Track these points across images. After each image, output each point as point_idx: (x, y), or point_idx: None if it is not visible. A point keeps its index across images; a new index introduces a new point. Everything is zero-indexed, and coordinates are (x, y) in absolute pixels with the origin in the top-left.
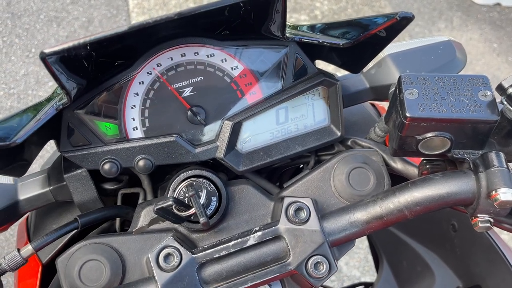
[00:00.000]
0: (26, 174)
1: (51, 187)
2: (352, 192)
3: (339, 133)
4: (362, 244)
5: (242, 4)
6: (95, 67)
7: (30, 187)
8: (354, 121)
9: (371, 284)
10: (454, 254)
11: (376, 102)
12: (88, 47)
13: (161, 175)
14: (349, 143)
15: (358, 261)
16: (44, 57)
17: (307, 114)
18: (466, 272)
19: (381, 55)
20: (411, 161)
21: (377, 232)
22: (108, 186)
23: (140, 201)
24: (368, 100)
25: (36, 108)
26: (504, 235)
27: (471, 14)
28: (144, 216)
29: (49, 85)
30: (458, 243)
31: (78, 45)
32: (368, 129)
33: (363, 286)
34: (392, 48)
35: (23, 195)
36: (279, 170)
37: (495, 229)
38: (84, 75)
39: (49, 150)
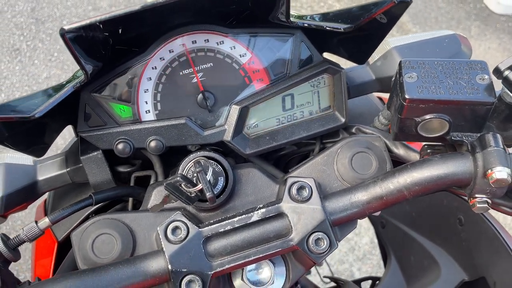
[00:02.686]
0: (45, 156)
1: (68, 169)
2: (355, 175)
3: (343, 120)
4: (375, 250)
5: None
6: (111, 53)
7: (48, 168)
8: (360, 112)
9: (378, 278)
10: (460, 248)
11: (382, 95)
12: (103, 30)
13: (173, 161)
14: (353, 130)
15: (371, 267)
16: (63, 33)
17: (313, 101)
18: (471, 265)
19: (387, 47)
20: (413, 147)
21: (386, 229)
22: (122, 169)
23: (151, 182)
24: (374, 91)
25: (56, 88)
26: None
27: (490, 24)
28: (155, 196)
29: None
30: (465, 236)
31: (94, 23)
32: (373, 120)
33: (371, 281)
34: (398, 41)
35: (42, 176)
36: (286, 157)
37: (500, 219)
38: (101, 58)
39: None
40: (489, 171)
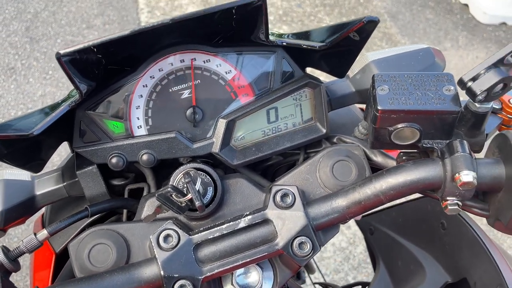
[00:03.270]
0: (42, 172)
1: (65, 183)
2: (336, 182)
3: (324, 130)
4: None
5: (234, 12)
6: (104, 73)
7: (45, 183)
8: (343, 122)
9: (368, 283)
10: (444, 251)
11: (364, 106)
12: (97, 52)
13: (165, 174)
14: (335, 140)
15: (366, 275)
16: (59, 57)
17: (295, 114)
18: (454, 267)
19: (365, 61)
20: (390, 155)
21: (374, 235)
22: (116, 182)
23: (144, 194)
24: (354, 103)
25: (53, 107)
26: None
27: (477, 34)
28: (148, 206)
29: None
30: (447, 240)
31: (88, 47)
32: (354, 130)
33: (360, 286)
34: (376, 55)
35: (39, 191)
36: (273, 167)
37: (481, 224)
38: (94, 78)
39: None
40: (457, 175)
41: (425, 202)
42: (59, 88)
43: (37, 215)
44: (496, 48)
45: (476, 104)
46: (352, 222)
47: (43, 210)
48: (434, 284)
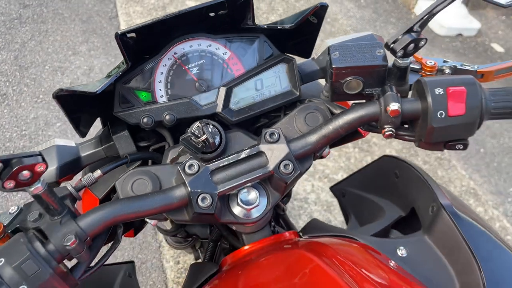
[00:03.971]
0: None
1: (103, 146)
2: (308, 128)
3: (297, 93)
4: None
5: (226, 5)
6: (134, 56)
7: (87, 148)
8: (311, 93)
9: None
10: (398, 194)
11: None
12: (136, 36)
13: (178, 137)
14: (306, 101)
15: None
16: (117, 35)
17: (276, 83)
18: (405, 203)
19: (325, 46)
20: (345, 107)
21: (346, 197)
22: (142, 144)
23: (166, 148)
24: (319, 78)
25: (106, 76)
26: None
27: (436, 45)
28: (171, 154)
29: (57, 126)
30: (400, 185)
31: (139, 27)
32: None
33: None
34: (333, 41)
35: (83, 153)
36: (261, 129)
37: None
38: (130, 58)
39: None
40: (387, 107)
41: (383, 161)
42: (50, 111)
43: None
44: (453, 57)
45: (398, 60)
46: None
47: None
48: (391, 218)
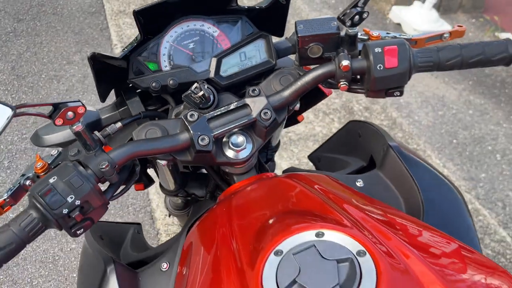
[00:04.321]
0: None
1: (118, 110)
2: (282, 87)
3: (273, 62)
4: None
5: None
6: (144, 33)
7: (106, 111)
8: (285, 65)
9: None
10: (361, 149)
11: None
12: (143, 18)
13: (178, 102)
14: (280, 68)
15: None
16: (134, 13)
17: (256, 55)
18: (366, 154)
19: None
20: None
21: (321, 161)
22: (150, 108)
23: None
24: (291, 53)
25: (126, 46)
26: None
27: None
28: (174, 112)
29: None
30: (362, 142)
31: (153, 4)
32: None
33: None
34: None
35: (103, 116)
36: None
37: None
38: (142, 34)
39: None
40: (340, 64)
41: (348, 126)
42: None
43: None
44: None
45: (348, 29)
46: None
47: None
48: (354, 167)
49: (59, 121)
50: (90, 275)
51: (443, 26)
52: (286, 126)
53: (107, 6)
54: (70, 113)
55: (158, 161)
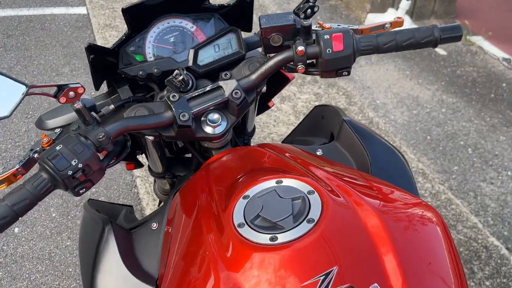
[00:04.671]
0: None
1: (111, 97)
2: (250, 72)
3: (243, 52)
4: None
5: None
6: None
7: (100, 98)
8: (254, 56)
9: None
10: (323, 129)
11: None
12: (129, 15)
13: (163, 89)
14: (249, 58)
15: None
16: (123, 10)
17: (228, 46)
18: (328, 132)
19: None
20: None
21: (293, 145)
22: (138, 95)
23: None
24: (259, 47)
25: (118, 39)
26: None
27: None
28: (158, 97)
29: None
30: (325, 122)
31: (136, 3)
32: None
33: None
34: None
35: (97, 102)
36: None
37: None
38: (130, 30)
39: None
40: (297, 49)
41: (313, 111)
42: None
43: None
44: (402, 62)
45: (303, 21)
46: None
47: None
48: (318, 144)
49: (62, 99)
50: (90, 235)
51: None
52: (259, 112)
53: (93, 21)
54: (71, 93)
55: (147, 137)
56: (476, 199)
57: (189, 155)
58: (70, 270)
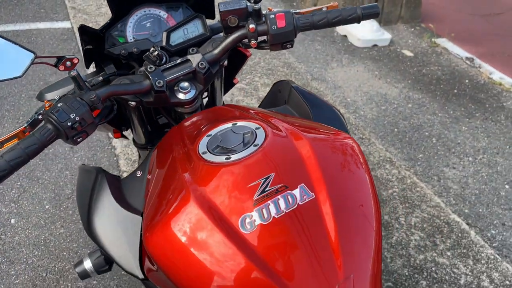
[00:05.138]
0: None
1: (99, 74)
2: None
3: (208, 33)
4: None
5: None
6: (117, 15)
7: (90, 75)
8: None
9: None
10: (281, 100)
11: None
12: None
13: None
14: (212, 38)
15: None
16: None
17: (195, 30)
18: (283, 102)
19: None
20: None
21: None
22: (119, 72)
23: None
24: (222, 32)
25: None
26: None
27: (356, 55)
28: (138, 72)
29: None
30: (281, 95)
31: None
32: None
33: None
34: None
35: (88, 78)
36: None
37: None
38: (114, 16)
39: None
40: (249, 27)
41: (273, 87)
42: None
43: None
44: (371, 63)
45: (253, 5)
46: None
47: None
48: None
49: (61, 67)
50: (85, 182)
51: (384, 35)
52: (226, 90)
53: (78, 33)
54: (68, 63)
55: (130, 102)
56: (439, 182)
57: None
58: (65, 253)
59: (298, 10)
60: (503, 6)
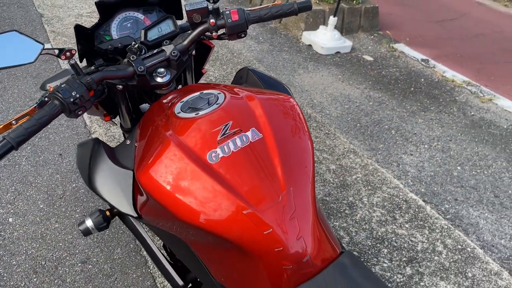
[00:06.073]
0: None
1: (92, 67)
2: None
3: (177, 30)
4: None
5: None
6: (103, 18)
7: (83, 69)
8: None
9: None
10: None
11: None
12: (98, 7)
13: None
14: (182, 33)
15: None
16: (96, 2)
17: (167, 28)
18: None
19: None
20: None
21: None
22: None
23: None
24: (190, 30)
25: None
26: None
27: (320, 61)
28: (123, 63)
29: (28, 149)
30: (243, 81)
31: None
32: None
33: None
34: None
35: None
36: None
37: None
38: (101, 17)
39: None
40: (210, 22)
41: (237, 73)
42: None
43: None
44: (335, 68)
45: (212, 4)
46: None
47: None
48: None
49: (63, 57)
50: (85, 151)
51: (346, 43)
52: (196, 80)
53: None
54: (68, 53)
55: (117, 86)
56: (398, 167)
57: None
58: (61, 244)
59: (250, 9)
60: (456, 12)
